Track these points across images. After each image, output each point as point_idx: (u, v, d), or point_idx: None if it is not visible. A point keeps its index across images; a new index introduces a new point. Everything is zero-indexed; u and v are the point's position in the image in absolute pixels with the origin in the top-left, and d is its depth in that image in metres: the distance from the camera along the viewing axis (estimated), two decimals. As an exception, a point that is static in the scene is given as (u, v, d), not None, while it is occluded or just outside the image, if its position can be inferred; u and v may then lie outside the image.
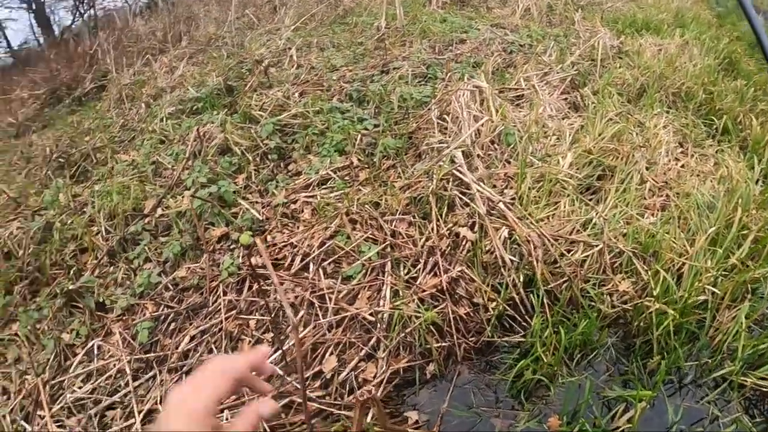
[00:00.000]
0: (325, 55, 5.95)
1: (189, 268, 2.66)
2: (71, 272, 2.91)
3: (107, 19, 10.52)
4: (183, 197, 3.11)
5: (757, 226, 2.97)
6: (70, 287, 2.69)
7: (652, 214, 3.43)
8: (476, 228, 2.82)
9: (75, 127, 5.60)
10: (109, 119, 5.40)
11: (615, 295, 2.77)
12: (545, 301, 2.56)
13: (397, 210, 2.85)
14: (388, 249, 2.63)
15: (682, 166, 4.19)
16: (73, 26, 13.14)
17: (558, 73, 5.00)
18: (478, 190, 2.87)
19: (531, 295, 2.61)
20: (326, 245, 2.57)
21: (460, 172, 2.87)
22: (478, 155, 3.36)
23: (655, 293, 2.59)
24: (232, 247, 2.73)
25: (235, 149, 3.50)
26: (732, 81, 6.51)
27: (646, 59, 5.90)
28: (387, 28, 6.90)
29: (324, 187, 3.19)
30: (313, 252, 2.54)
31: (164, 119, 4.54)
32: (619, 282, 2.80)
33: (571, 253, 2.83)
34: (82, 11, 13.35)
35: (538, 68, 5.04)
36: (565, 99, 4.59)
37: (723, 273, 2.73)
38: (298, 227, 2.81)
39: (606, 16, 9.22)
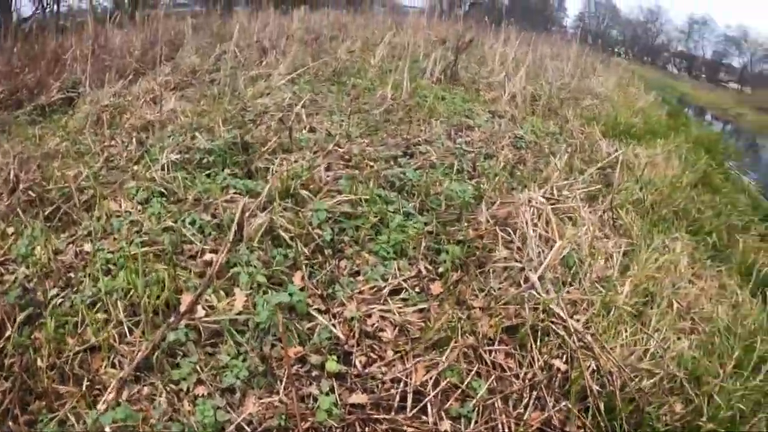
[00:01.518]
0: (335, 120, 5.91)
1: (262, 401, 2.37)
2: (84, 389, 2.46)
3: (75, 19, 9.76)
4: (233, 297, 2.82)
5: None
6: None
7: (686, 338, 3.75)
8: (567, 359, 2.87)
9: (37, 143, 5.01)
10: (84, 145, 4.89)
11: (669, 415, 2.98)
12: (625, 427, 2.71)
13: (492, 339, 2.80)
14: (494, 383, 2.58)
15: (701, 290, 4.58)
16: (33, 18, 12.06)
17: (581, 184, 5.29)
18: (571, 324, 2.90)
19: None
20: (442, 383, 2.44)
21: (557, 305, 2.88)
22: (549, 279, 3.42)
23: (706, 414, 2.91)
24: (313, 374, 2.49)
25: (284, 236, 3.28)
26: (707, 194, 7.29)
27: (648, 175, 6.46)
28: (393, 99, 7.04)
29: (397, 298, 3.06)
30: (428, 390, 2.39)
31: (166, 167, 4.19)
32: (674, 404, 3.03)
33: (638, 379, 3.01)
34: (45, 4, 12.37)
35: (562, 176, 5.29)
36: (599, 215, 4.86)
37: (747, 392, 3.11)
38: (386, 351, 2.65)
39: (585, 114, 10.12)
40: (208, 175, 4.23)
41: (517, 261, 3.48)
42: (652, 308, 3.92)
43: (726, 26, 48.73)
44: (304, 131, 5.44)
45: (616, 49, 38.11)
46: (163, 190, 4.02)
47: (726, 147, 14.09)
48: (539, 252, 3.59)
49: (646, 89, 17.54)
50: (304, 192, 3.84)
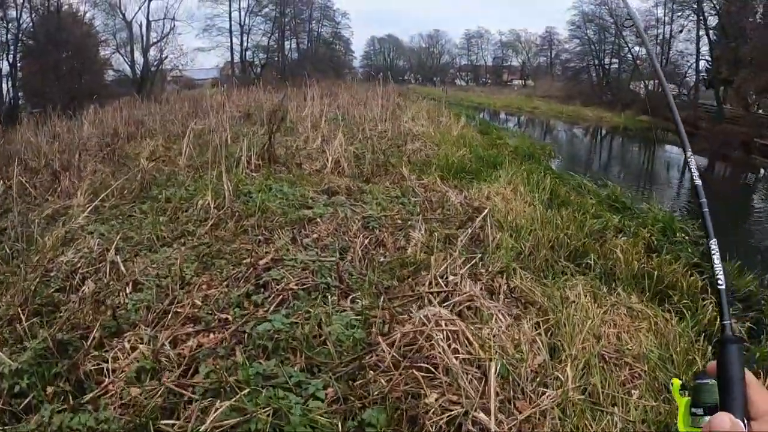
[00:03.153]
0: (160, 258, 5.04)
1: None
2: None
3: None
4: None
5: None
6: None
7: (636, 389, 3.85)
8: None
9: None
10: None
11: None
12: None
13: None
14: None
15: (615, 327, 4.67)
16: None
17: (459, 259, 5.12)
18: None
19: None
20: None
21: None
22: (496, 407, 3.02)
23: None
24: None
25: None
26: (563, 210, 7.69)
27: (510, 218, 6.58)
28: (217, 209, 6.35)
29: None
30: None
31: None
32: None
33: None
34: None
35: (446, 260, 5.07)
36: (491, 290, 4.70)
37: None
38: None
39: (415, 160, 10.35)
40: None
41: (455, 403, 3.02)
42: (592, 377, 3.81)
43: (499, 33, 56.64)
44: (128, 292, 4.53)
45: (405, 77, 41.36)
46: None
47: (542, 147, 15.59)
48: (471, 379, 3.18)
49: (447, 110, 18.94)
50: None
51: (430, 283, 4.80)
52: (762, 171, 20.44)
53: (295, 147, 10.57)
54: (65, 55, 32.53)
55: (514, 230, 6.32)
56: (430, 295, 4.54)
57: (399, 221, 6.63)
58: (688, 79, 33.03)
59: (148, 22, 41.25)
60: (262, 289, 4.69)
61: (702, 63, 33.36)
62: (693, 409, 0.91)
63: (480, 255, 5.41)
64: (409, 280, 5.09)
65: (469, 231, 5.82)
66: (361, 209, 6.66)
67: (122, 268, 5.09)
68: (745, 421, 0.85)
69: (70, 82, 31.71)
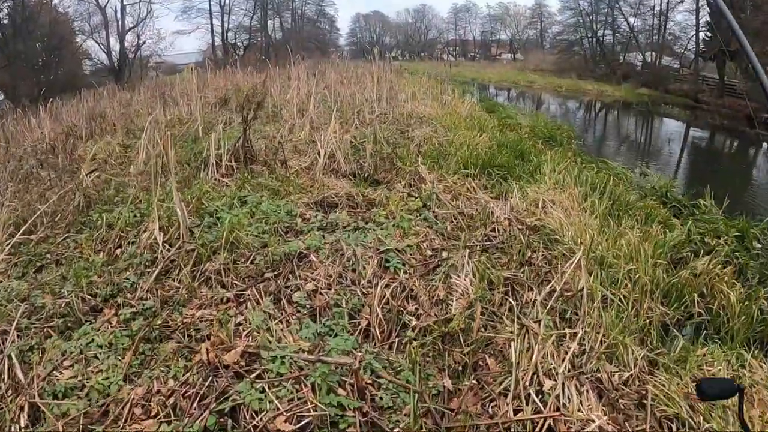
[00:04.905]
0: (76, 347, 2.97)
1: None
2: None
3: None
4: None
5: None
6: None
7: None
8: None
9: None
10: None
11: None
12: None
13: None
14: None
15: None
16: None
17: (549, 342, 3.02)
18: None
19: None
20: None
21: None
22: None
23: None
24: None
25: None
26: (624, 222, 5.66)
27: (583, 241, 4.49)
28: (167, 243, 4.18)
29: None
30: None
31: None
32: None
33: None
34: None
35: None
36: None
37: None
38: None
39: (427, 150, 8.14)
40: None
41: None
42: None
43: (488, 6, 53.67)
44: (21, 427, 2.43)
45: (392, 54, 38.73)
46: None
47: (559, 127, 13.41)
48: None
49: (451, 87, 16.60)
50: None
51: (514, 396, 2.70)
52: (767, 144, 18.54)
53: (279, 138, 8.29)
54: (39, 46, 29.34)
55: (601, 266, 4.21)
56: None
57: (429, 252, 4.49)
58: (687, 52, 30.76)
59: (123, 6, 37.52)
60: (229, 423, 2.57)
61: (701, 35, 31.11)
62: None
63: (574, 328, 3.30)
64: (470, 380, 2.98)
65: (556, 288, 3.65)
66: (374, 236, 4.47)
67: (19, 375, 3.00)
68: None
69: (45, 74, 28.58)
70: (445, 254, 4.42)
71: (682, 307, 4.33)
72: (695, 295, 4.37)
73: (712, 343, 3.72)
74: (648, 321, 3.86)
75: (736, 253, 5.71)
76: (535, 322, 3.34)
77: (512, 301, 3.72)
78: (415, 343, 3.41)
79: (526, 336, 3.21)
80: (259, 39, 46.70)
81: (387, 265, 4.07)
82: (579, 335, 3.23)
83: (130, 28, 37.88)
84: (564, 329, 3.37)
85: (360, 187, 6.14)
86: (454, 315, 3.64)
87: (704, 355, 3.50)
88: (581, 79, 32.97)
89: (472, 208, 5.51)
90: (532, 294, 3.77)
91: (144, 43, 38.60)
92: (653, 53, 31.73)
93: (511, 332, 3.31)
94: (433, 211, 5.36)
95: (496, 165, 7.17)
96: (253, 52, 41.07)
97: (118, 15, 37.02)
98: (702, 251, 5.71)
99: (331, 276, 3.91)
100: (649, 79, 29.27)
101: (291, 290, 3.84)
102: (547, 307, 3.47)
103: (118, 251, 4.66)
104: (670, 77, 29.08)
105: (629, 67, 33.05)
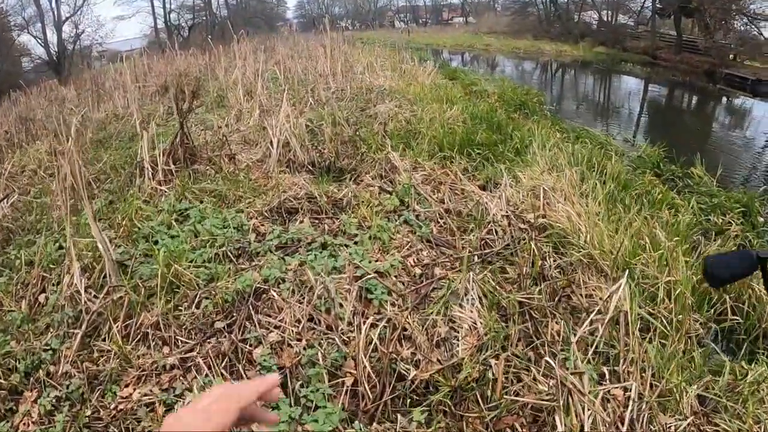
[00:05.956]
0: None
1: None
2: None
3: None
4: None
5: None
6: None
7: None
8: None
9: None
10: None
11: None
12: None
13: None
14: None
15: None
16: None
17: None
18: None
19: None
20: None
21: None
22: None
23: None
24: None
25: None
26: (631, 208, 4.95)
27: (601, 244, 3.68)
28: (93, 288, 3.19)
29: None
30: None
31: None
32: None
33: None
34: None
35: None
36: None
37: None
38: None
39: (393, 128, 7.18)
40: None
41: None
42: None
43: None
44: None
45: (343, 24, 37.18)
46: None
47: (528, 92, 12.61)
48: None
49: (403, 55, 15.50)
50: None
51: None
52: (725, 99, 18.36)
53: (225, 129, 7.18)
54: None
55: (630, 276, 3.41)
56: None
57: (418, 270, 3.59)
58: (645, 9, 30.29)
59: (57, -6, 34.38)
60: None
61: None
62: None
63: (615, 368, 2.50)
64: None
65: (599, 331, 2.80)
66: (347, 256, 3.53)
67: None
68: None
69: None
70: (438, 271, 3.55)
71: (711, 310, 3.63)
72: (726, 296, 3.66)
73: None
74: (688, 340, 3.13)
75: (747, 234, 5.09)
76: (574, 373, 2.51)
77: (534, 338, 2.89)
78: (417, 411, 2.55)
79: (568, 396, 2.38)
80: (205, 17, 44.21)
81: (369, 297, 3.16)
82: (629, 387, 2.43)
83: (67, 18, 34.72)
84: (611, 381, 2.56)
85: (322, 184, 5.16)
86: (463, 359, 2.80)
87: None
88: (537, 39, 32.24)
89: (459, 202, 4.62)
90: (558, 325, 2.94)
91: (83, 32, 35.46)
92: (608, 11, 31.19)
93: (546, 391, 2.48)
94: (414, 210, 4.45)
95: (476, 143, 6.28)
96: (198, 32, 38.73)
97: (53, 5, 33.98)
98: (713, 233, 5.07)
99: (299, 321, 2.98)
100: (607, 38, 28.75)
101: (250, 345, 2.90)
102: (588, 355, 2.64)
103: (42, 297, 3.61)
104: (627, 35, 28.65)
105: (585, 26, 32.45)
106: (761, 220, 5.54)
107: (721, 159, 9.02)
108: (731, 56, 21.26)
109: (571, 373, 2.52)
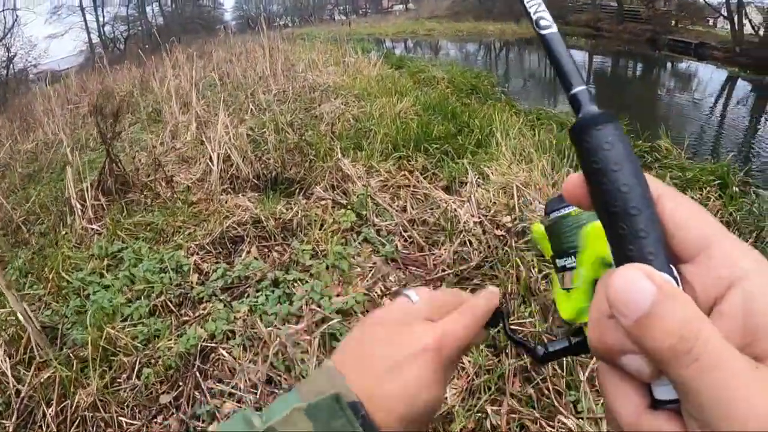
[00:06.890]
0: None
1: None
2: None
3: None
4: None
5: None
6: None
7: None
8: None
9: None
10: None
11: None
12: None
13: None
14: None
15: None
16: None
17: None
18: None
19: None
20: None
21: None
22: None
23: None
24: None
25: None
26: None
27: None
28: (21, 365, 2.63)
29: None
30: None
31: None
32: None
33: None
34: None
35: None
36: None
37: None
38: None
39: (342, 129, 6.65)
40: None
41: None
42: None
43: None
44: None
45: (282, 22, 36.23)
46: None
47: (478, 75, 12.22)
48: None
49: (346, 48, 14.92)
50: None
51: None
52: (670, 65, 18.58)
53: (160, 148, 6.50)
54: None
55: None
56: None
57: (387, 301, 3.09)
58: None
59: (-19, 19, 31.96)
60: None
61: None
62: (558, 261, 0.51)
63: None
64: None
65: None
66: (302, 292, 3.01)
67: None
68: (672, 269, 0.31)
69: None
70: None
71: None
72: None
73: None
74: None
75: (729, 208, 4.80)
76: (591, 418, 2.08)
77: (533, 373, 2.45)
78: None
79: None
80: (140, 28, 42.46)
81: (335, 344, 2.66)
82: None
83: (-2, 42, 32.53)
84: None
85: (268, 203, 4.60)
86: (454, 407, 2.34)
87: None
88: (479, 20, 32.11)
89: (423, 210, 4.14)
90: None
91: (15, 55, 33.30)
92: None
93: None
94: (374, 224, 3.95)
95: (433, 137, 5.82)
96: (134, 43, 37.05)
97: (-20, 30, 31.71)
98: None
99: (255, 386, 2.45)
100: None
101: (203, 421, 2.36)
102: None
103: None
104: (569, 9, 28.78)
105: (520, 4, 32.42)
106: (736, 190, 5.29)
107: (684, 127, 8.85)
108: (673, 22, 21.56)
109: (587, 418, 2.09)
